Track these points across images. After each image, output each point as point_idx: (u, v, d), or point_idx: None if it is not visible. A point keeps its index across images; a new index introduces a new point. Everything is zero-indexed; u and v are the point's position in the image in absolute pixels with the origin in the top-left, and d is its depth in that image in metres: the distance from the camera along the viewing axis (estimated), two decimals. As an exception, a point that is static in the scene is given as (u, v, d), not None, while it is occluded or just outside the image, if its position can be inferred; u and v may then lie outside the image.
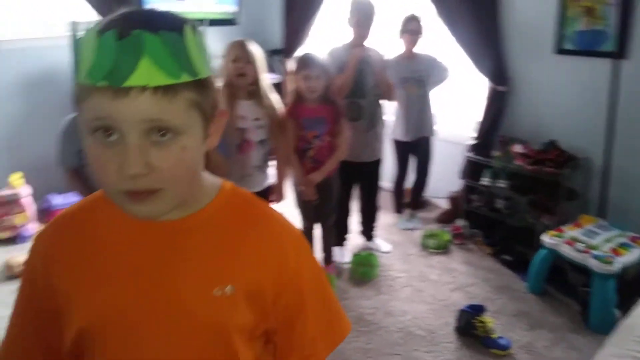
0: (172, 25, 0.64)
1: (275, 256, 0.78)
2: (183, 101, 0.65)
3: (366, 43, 2.97)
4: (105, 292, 0.74)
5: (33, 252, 0.80)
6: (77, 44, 0.64)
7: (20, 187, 3.41)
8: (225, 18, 4.48)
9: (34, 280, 0.79)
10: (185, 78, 0.64)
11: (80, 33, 0.64)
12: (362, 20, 2.91)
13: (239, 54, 2.45)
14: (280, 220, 0.83)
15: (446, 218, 3.66)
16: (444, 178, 3.68)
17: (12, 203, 3.33)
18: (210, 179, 0.80)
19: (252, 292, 0.76)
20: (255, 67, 2.47)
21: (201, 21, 4.31)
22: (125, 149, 0.63)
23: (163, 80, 0.62)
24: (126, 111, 0.62)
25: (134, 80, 0.61)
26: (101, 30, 0.61)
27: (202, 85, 0.67)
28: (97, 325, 0.74)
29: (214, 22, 4.44)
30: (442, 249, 3.29)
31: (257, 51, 2.50)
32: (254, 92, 2.51)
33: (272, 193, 2.76)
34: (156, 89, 0.62)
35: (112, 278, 0.74)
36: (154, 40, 0.61)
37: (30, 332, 0.80)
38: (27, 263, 0.81)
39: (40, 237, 0.81)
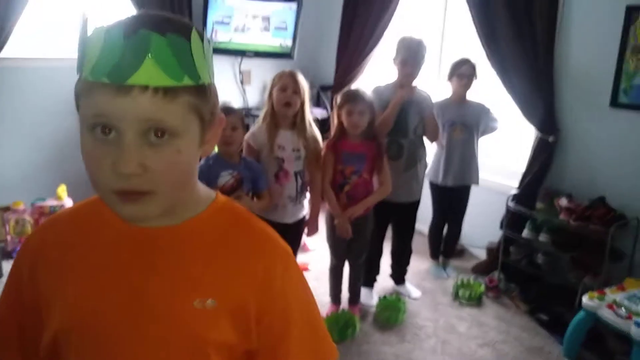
0: (179, 30, 0.64)
1: (262, 273, 0.75)
2: (182, 104, 0.65)
3: (413, 83, 2.92)
4: (85, 295, 0.73)
5: (21, 252, 0.81)
6: (83, 41, 0.64)
7: (65, 199, 3.55)
8: (281, 52, 4.60)
9: (19, 280, 0.79)
10: (187, 82, 0.64)
11: (87, 28, 0.64)
12: (409, 58, 2.86)
13: (287, 84, 2.48)
14: (270, 237, 0.81)
15: (482, 269, 3.51)
16: (483, 227, 3.55)
17: (54, 213, 3.46)
18: (205, 190, 0.80)
19: (235, 308, 0.73)
20: (302, 98, 2.50)
21: (252, 53, 4.44)
22: (121, 147, 0.63)
23: (165, 81, 0.62)
24: (126, 109, 0.62)
25: (136, 79, 0.61)
26: (109, 28, 0.62)
27: (202, 90, 0.68)
28: (73, 327, 0.73)
29: (269, 55, 4.57)
30: (475, 300, 3.14)
31: (304, 83, 2.53)
32: (296, 123, 2.53)
33: (305, 225, 2.75)
34: (157, 89, 0.62)
35: (94, 281, 0.74)
36: (160, 42, 0.62)
37: (10, 328, 0.81)
38: (15, 262, 0.82)
39: (30, 239, 0.82)
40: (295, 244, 2.74)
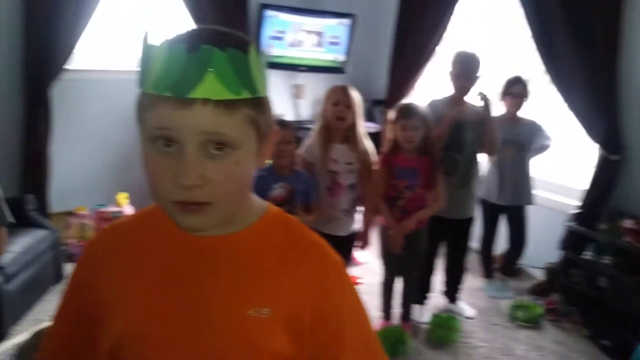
0: (238, 44, 0.66)
1: (316, 284, 0.77)
2: (241, 117, 0.67)
3: (467, 97, 2.89)
4: (144, 303, 0.75)
5: (81, 259, 0.83)
6: (146, 55, 0.66)
7: (125, 205, 3.68)
8: (333, 66, 4.64)
9: (79, 287, 0.81)
10: (246, 95, 0.66)
11: (150, 43, 0.66)
12: (464, 72, 2.83)
13: (340, 98, 2.50)
14: (322, 247, 0.81)
15: (540, 290, 3.38)
16: (542, 247, 3.43)
17: (115, 219, 3.59)
18: (258, 201, 0.81)
19: (290, 318, 0.74)
20: (354, 112, 2.51)
21: (305, 67, 4.50)
22: (182, 160, 0.65)
23: (225, 95, 0.64)
24: (188, 122, 0.64)
25: (198, 92, 0.63)
26: (172, 44, 0.64)
27: (259, 103, 0.69)
28: (132, 334, 0.75)
29: (322, 69, 4.62)
30: (532, 323, 3.03)
31: (356, 97, 2.54)
32: (349, 136, 2.54)
33: (357, 239, 2.74)
34: (218, 102, 0.64)
35: (153, 289, 0.75)
36: (221, 56, 0.63)
37: (68, 336, 0.83)
38: (75, 270, 0.84)
39: (89, 246, 0.84)
40: (346, 257, 2.74)
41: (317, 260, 0.79)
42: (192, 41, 0.64)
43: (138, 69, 0.67)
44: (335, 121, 2.51)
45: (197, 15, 3.91)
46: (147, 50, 0.65)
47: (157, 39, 0.66)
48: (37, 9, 3.32)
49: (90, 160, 3.85)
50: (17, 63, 3.41)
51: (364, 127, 2.60)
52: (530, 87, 3.20)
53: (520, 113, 3.24)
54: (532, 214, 3.36)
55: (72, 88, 3.69)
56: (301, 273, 0.77)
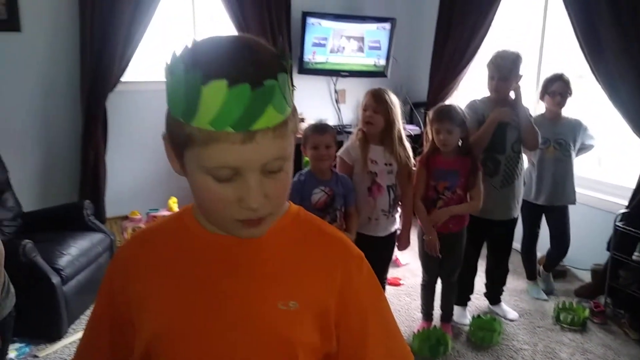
0: (283, 66, 0.66)
1: (339, 277, 0.79)
2: (290, 132, 0.68)
3: (509, 97, 2.85)
4: (176, 302, 0.77)
5: (113, 264, 0.86)
6: (190, 89, 0.63)
7: (175, 209, 3.86)
8: (375, 70, 4.69)
9: (111, 291, 0.84)
10: (289, 110, 0.68)
11: (192, 76, 0.62)
12: (503, 72, 2.78)
13: (368, 103, 2.55)
14: (344, 242, 0.84)
15: (586, 292, 3.31)
16: (588, 247, 3.35)
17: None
18: None
19: (317, 311, 0.77)
20: (387, 115, 2.52)
21: (346, 72, 4.57)
22: (247, 186, 0.66)
23: (280, 118, 0.65)
24: (252, 155, 0.64)
25: (259, 124, 0.63)
26: (230, 80, 0.61)
27: (294, 111, 0.70)
28: (164, 334, 0.76)
29: (363, 74, 4.68)
30: (578, 326, 2.96)
31: (390, 100, 2.55)
32: (385, 138, 2.57)
33: (397, 239, 2.77)
34: (275, 128, 0.65)
35: (182, 288, 0.77)
36: (277, 86, 0.64)
37: (102, 339, 0.86)
38: (107, 274, 0.86)
39: (120, 251, 0.86)
40: (386, 257, 2.76)
41: (339, 254, 0.81)
42: (253, 76, 0.62)
43: (173, 97, 0.66)
44: (365, 125, 2.56)
45: (240, 25, 4.05)
46: (191, 84, 0.62)
47: (188, 67, 0.63)
48: (94, 25, 3.55)
49: (143, 167, 4.06)
50: (76, 77, 3.65)
51: (401, 130, 2.62)
52: (572, 85, 3.13)
53: (563, 111, 3.18)
54: (579, 214, 3.29)
55: (125, 99, 3.91)
56: (324, 267, 0.79)
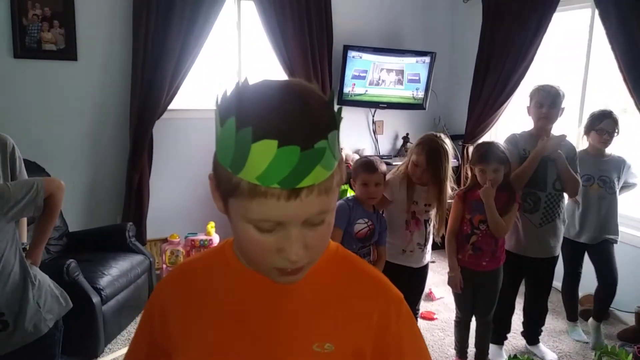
0: (334, 122, 0.66)
1: (377, 318, 0.78)
2: (335, 186, 0.68)
3: (550, 132, 2.79)
4: (212, 338, 0.78)
5: (154, 295, 0.88)
6: (240, 145, 0.62)
7: (213, 234, 3.95)
8: (413, 102, 4.73)
9: (152, 320, 0.86)
10: (335, 164, 0.67)
11: (242, 134, 0.62)
12: (545, 104, 2.74)
13: (419, 160, 2.51)
14: (383, 282, 0.83)
15: (630, 336, 3.17)
16: (632, 289, 3.23)
17: (204, 247, 3.86)
18: None
19: (353, 352, 0.76)
20: (438, 168, 2.50)
21: (385, 104, 4.62)
22: (288, 239, 0.66)
23: (326, 175, 0.65)
24: (295, 211, 0.64)
25: (306, 182, 0.63)
26: (281, 141, 0.60)
27: (340, 163, 0.69)
28: None
29: (402, 106, 4.72)
30: (621, 371, 2.84)
31: (444, 152, 2.51)
32: (430, 181, 2.55)
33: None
34: (320, 184, 0.64)
35: (221, 325, 0.78)
36: (326, 147, 0.63)
37: None
38: (148, 304, 0.88)
39: (162, 283, 0.88)
40: (419, 288, 2.74)
41: (378, 295, 0.80)
42: (304, 138, 0.61)
43: (222, 147, 0.66)
44: (414, 170, 2.55)
45: (283, 58, 4.17)
46: (242, 141, 0.62)
47: (239, 122, 0.62)
48: (145, 57, 3.73)
49: (184, 192, 4.18)
50: (126, 105, 3.83)
51: (449, 176, 2.56)
52: (620, 123, 3.04)
53: (609, 149, 3.10)
54: (622, 253, 3.18)
55: (170, 125, 4.06)
56: (363, 308, 0.78)
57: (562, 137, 2.74)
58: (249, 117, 0.62)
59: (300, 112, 0.64)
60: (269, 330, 0.76)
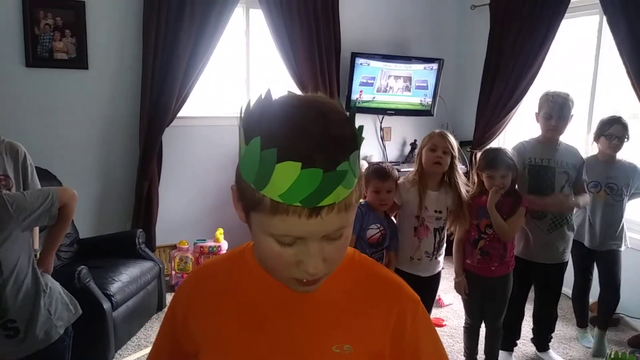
0: (356, 142, 0.67)
1: (395, 321, 0.80)
2: (354, 202, 0.70)
3: (559, 138, 2.80)
4: (233, 340, 0.80)
5: (176, 298, 0.90)
6: (265, 164, 0.63)
7: (222, 241, 3.97)
8: (421, 109, 4.73)
9: (174, 323, 0.88)
10: (355, 182, 0.69)
11: (267, 155, 0.63)
12: (553, 112, 2.73)
13: (437, 143, 2.50)
14: (400, 285, 0.85)
15: (640, 342, 3.15)
16: (642, 296, 3.20)
17: (213, 253, 3.88)
18: None
19: (371, 354, 0.78)
20: (451, 158, 2.51)
21: (393, 111, 4.63)
22: (308, 253, 0.68)
23: (346, 193, 0.67)
24: (315, 228, 0.66)
25: (327, 201, 0.64)
26: (304, 163, 0.62)
27: (359, 179, 0.71)
28: None
29: (409, 112, 4.73)
30: (631, 378, 2.82)
31: (454, 143, 2.54)
32: (445, 182, 2.56)
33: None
34: (340, 202, 0.66)
35: (241, 328, 0.80)
36: (349, 169, 0.65)
37: None
38: (170, 307, 0.90)
39: (183, 286, 0.90)
40: (429, 298, 2.72)
41: (395, 298, 0.82)
42: (326, 160, 0.63)
43: (246, 164, 0.67)
44: (432, 166, 2.50)
45: (292, 65, 4.20)
46: (266, 161, 0.63)
47: (263, 143, 0.63)
48: (155, 66, 3.77)
49: (193, 198, 4.20)
50: (135, 113, 3.87)
51: (461, 173, 2.58)
52: (630, 128, 3.01)
53: (618, 154, 3.07)
54: (632, 259, 3.16)
55: (179, 133, 4.09)
56: (379, 311, 0.80)
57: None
58: (274, 137, 0.63)
59: (323, 134, 0.65)
60: (289, 332, 0.78)
